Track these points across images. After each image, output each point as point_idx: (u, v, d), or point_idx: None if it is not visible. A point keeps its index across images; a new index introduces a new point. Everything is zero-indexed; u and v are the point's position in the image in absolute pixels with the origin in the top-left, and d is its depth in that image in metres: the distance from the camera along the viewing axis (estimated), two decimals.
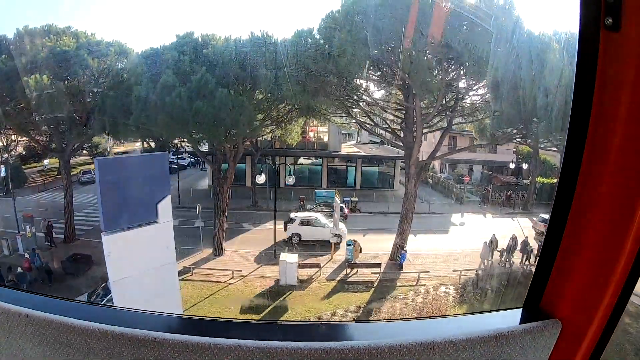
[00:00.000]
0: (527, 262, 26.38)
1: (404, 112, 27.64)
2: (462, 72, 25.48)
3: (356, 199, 36.44)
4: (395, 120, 29.24)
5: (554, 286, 2.41)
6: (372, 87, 29.14)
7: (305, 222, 29.22)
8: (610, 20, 2.02)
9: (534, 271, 2.57)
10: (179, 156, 44.56)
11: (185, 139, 32.64)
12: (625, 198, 2.05)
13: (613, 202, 2.10)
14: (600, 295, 2.18)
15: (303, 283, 24.40)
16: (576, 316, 2.30)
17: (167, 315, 2.52)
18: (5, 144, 33.93)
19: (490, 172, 45.33)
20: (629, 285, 2.15)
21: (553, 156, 39.57)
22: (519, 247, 26.48)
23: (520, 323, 2.35)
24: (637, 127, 1.98)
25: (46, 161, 41.97)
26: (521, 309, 2.52)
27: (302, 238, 28.82)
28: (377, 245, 28.01)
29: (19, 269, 23.00)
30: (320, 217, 29.96)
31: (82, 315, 2.10)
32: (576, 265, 2.30)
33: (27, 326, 2.04)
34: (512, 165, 41.83)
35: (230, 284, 24.31)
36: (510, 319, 2.44)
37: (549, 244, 2.41)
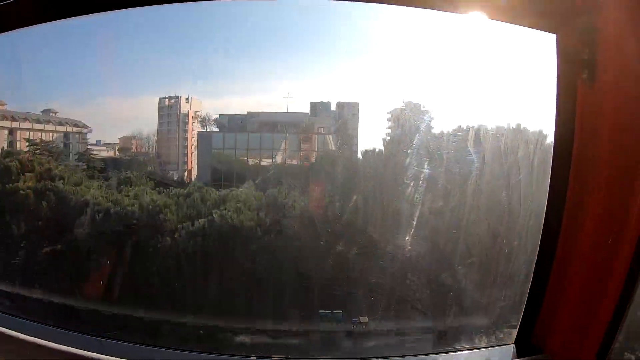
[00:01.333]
0: None
1: None
2: None
3: None
4: None
5: (545, 320, 2.39)
6: None
7: None
8: (587, 73, 2.16)
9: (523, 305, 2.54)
10: None
11: None
12: (611, 230, 2.06)
13: (598, 238, 2.11)
14: (591, 327, 2.15)
15: None
16: (568, 351, 2.28)
17: None
18: None
19: None
20: (618, 317, 2.08)
21: None
22: None
23: None
24: (617, 175, 2.05)
25: None
26: (513, 345, 2.50)
27: None
28: None
29: None
30: None
31: None
32: (566, 298, 2.28)
33: None
34: None
35: None
36: (502, 356, 2.45)
37: (538, 277, 2.41)
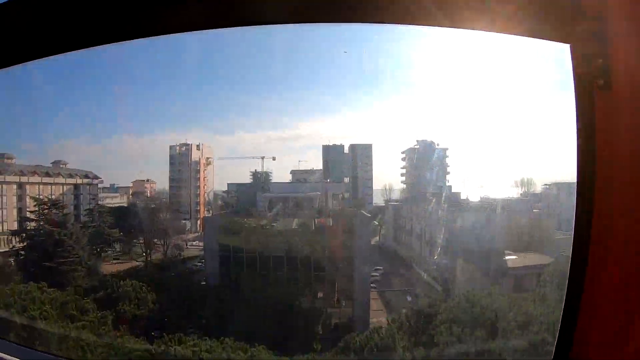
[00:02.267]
0: None
1: None
2: None
3: None
4: None
5: (582, 335, 2.52)
6: None
7: None
8: (602, 82, 2.47)
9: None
10: None
11: None
12: None
13: (628, 246, 2.34)
14: (627, 340, 2.33)
15: None
16: None
17: None
18: None
19: None
20: None
21: None
22: None
23: None
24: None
25: None
26: None
27: None
28: None
29: None
30: None
31: None
32: (600, 311, 2.46)
33: None
34: None
35: None
36: None
37: (572, 293, 2.59)
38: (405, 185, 63.76)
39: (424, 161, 60.50)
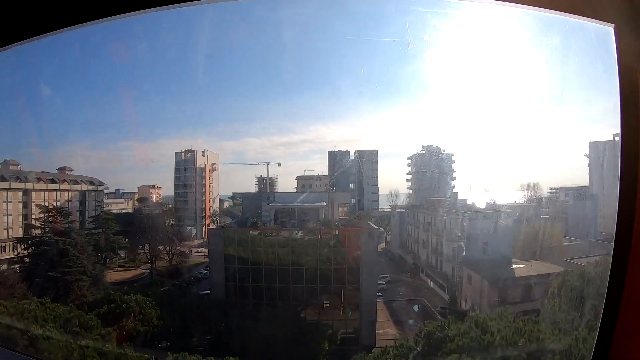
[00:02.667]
0: None
1: None
2: None
3: None
4: None
5: (622, 337, 2.53)
6: None
7: None
8: None
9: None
10: None
11: None
12: None
13: None
14: None
15: None
16: None
17: None
18: None
19: None
20: None
21: None
22: None
23: None
24: None
25: None
26: None
27: None
28: None
29: None
30: None
31: None
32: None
33: None
34: None
35: None
36: None
37: (612, 295, 2.63)
38: (410, 191, 63.53)
39: (430, 167, 60.18)
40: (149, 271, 41.88)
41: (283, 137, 72.45)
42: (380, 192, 70.53)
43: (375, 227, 28.03)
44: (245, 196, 36.25)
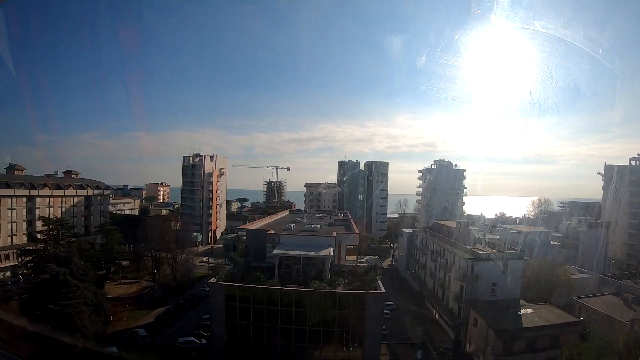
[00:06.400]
0: None
1: None
2: None
3: None
4: None
5: None
6: None
7: None
8: None
9: None
10: None
11: None
12: None
13: None
14: None
15: None
16: None
17: None
18: None
19: None
20: None
21: None
22: None
23: None
24: None
25: None
26: None
27: None
28: None
29: None
30: None
31: None
32: None
33: None
34: None
35: None
36: None
37: None
38: (419, 207, 62.78)
39: (440, 183, 59.37)
40: (152, 284, 41.29)
41: (292, 134, 72.18)
42: (390, 192, 70.40)
43: (382, 290, 27.04)
44: (250, 233, 35.24)
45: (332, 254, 30.15)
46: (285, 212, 55.60)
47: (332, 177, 70.52)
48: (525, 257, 33.28)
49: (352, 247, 33.59)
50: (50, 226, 39.67)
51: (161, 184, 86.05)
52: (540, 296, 32.14)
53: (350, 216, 51.68)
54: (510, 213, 65.84)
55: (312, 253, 29.93)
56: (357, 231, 36.81)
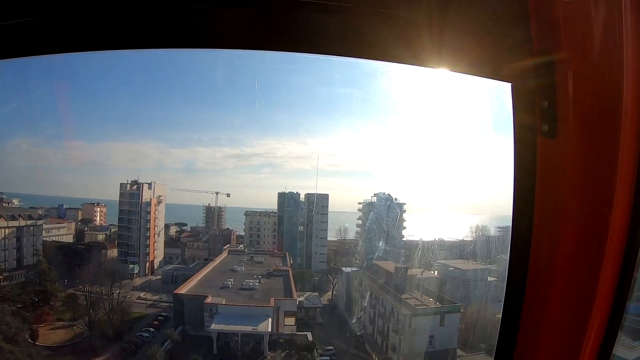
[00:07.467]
0: None
1: None
2: None
3: None
4: None
5: (525, 344, 2.71)
6: None
7: None
8: (546, 127, 2.51)
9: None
10: None
11: None
12: (579, 277, 2.47)
13: (568, 287, 2.49)
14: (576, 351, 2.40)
15: None
16: None
17: None
18: None
19: None
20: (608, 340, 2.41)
21: None
22: None
23: None
24: (578, 224, 2.44)
25: None
26: None
27: None
28: None
29: None
30: None
31: None
32: (545, 320, 2.59)
33: None
34: None
35: None
36: None
37: (511, 298, 2.86)
38: (359, 239, 63.86)
39: (380, 218, 60.40)
40: (88, 329, 40.48)
41: (234, 149, 71.94)
42: (331, 210, 71.22)
43: None
44: (184, 299, 35.27)
45: (270, 327, 30.80)
46: (224, 255, 55.52)
47: (273, 195, 70.78)
48: (461, 310, 34.74)
49: (293, 314, 34.31)
50: None
51: (97, 204, 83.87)
52: (476, 342, 33.51)
53: (289, 261, 52.23)
54: (450, 235, 67.70)
55: (250, 328, 30.49)
56: (295, 297, 37.51)
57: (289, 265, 50.25)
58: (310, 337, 33.90)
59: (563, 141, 2.42)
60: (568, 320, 2.58)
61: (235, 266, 46.86)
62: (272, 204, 69.94)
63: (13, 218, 54.56)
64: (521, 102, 2.76)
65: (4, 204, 56.11)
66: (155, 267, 64.87)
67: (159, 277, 60.86)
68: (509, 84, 2.87)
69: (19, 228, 54.62)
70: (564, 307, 2.55)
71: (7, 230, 53.14)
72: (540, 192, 2.50)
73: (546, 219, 2.56)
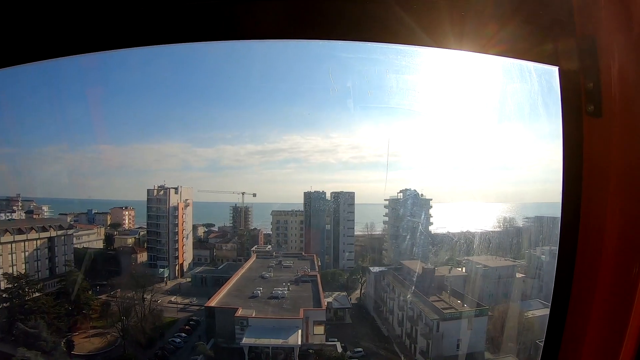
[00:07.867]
0: None
1: None
2: None
3: None
4: None
5: (568, 351, 2.70)
6: None
7: None
8: (592, 107, 2.52)
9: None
10: None
11: None
12: (629, 256, 2.44)
13: (617, 264, 2.50)
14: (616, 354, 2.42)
15: None
16: None
17: None
18: None
19: None
20: None
21: None
22: None
23: None
24: (626, 205, 2.40)
25: None
26: None
27: None
28: None
29: None
30: None
31: None
32: (588, 327, 2.57)
33: None
34: None
35: None
36: None
37: (557, 307, 2.82)
38: (386, 240, 63.33)
39: (407, 214, 59.80)
40: (121, 336, 40.98)
41: (257, 146, 71.64)
42: (357, 202, 71.01)
43: None
44: (215, 312, 35.38)
45: (299, 339, 30.86)
46: (253, 259, 55.76)
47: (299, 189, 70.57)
48: (489, 313, 34.27)
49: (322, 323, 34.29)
50: (15, 284, 39.17)
51: (126, 207, 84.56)
52: (505, 345, 33.11)
53: (317, 263, 52.22)
54: (478, 226, 66.60)
55: (280, 341, 30.59)
56: (324, 306, 37.37)
57: (317, 269, 50.13)
58: (339, 348, 33.90)
59: (608, 120, 2.42)
60: (613, 314, 2.57)
61: (263, 272, 46.89)
62: (297, 199, 69.66)
63: (44, 229, 55.24)
64: (568, 83, 2.74)
65: (34, 215, 56.93)
66: (185, 270, 65.19)
67: (188, 279, 61.17)
68: (556, 67, 2.85)
69: (50, 239, 55.32)
70: (611, 298, 2.56)
71: (39, 242, 53.79)
72: (587, 169, 2.55)
73: (594, 195, 2.57)
